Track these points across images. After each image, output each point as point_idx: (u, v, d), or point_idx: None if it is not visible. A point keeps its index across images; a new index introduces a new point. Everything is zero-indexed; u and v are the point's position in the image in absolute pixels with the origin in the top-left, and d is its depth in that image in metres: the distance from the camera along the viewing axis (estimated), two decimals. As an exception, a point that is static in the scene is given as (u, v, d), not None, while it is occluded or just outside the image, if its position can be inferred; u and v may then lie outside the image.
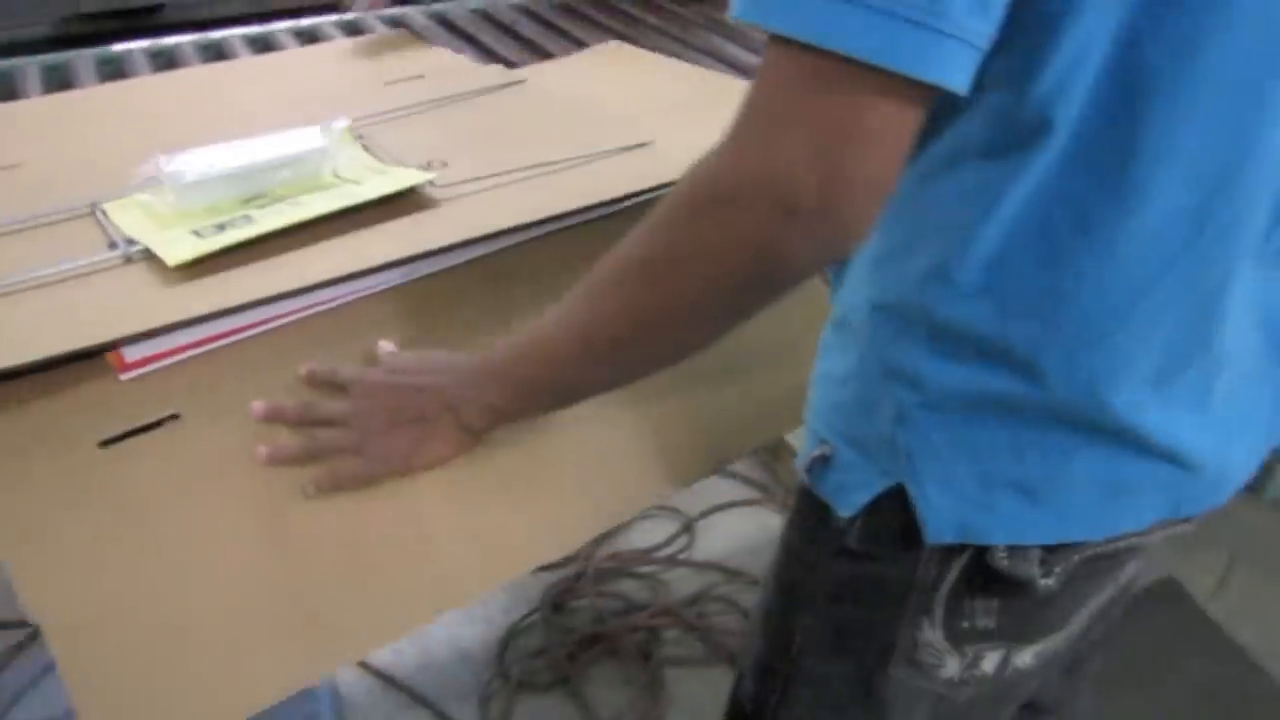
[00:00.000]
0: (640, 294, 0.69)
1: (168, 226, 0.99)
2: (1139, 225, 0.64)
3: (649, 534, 2.20)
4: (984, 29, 0.56)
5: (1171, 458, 0.73)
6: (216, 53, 1.62)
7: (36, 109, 1.38)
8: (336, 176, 1.09)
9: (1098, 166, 0.63)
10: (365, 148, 1.16)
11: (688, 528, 2.22)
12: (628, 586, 2.11)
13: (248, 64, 1.56)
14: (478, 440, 0.85)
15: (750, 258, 0.62)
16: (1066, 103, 0.61)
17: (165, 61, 1.59)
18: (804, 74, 0.57)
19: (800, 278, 0.64)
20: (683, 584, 2.10)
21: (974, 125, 0.65)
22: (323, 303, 0.94)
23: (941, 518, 0.74)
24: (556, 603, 2.05)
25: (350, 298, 0.95)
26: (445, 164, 1.12)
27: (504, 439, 0.86)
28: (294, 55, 1.58)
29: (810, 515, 0.82)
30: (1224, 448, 0.76)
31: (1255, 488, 2.16)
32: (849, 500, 0.78)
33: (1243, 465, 0.79)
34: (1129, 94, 0.61)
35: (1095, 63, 0.60)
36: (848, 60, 0.55)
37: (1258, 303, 0.75)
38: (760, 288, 0.65)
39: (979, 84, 0.59)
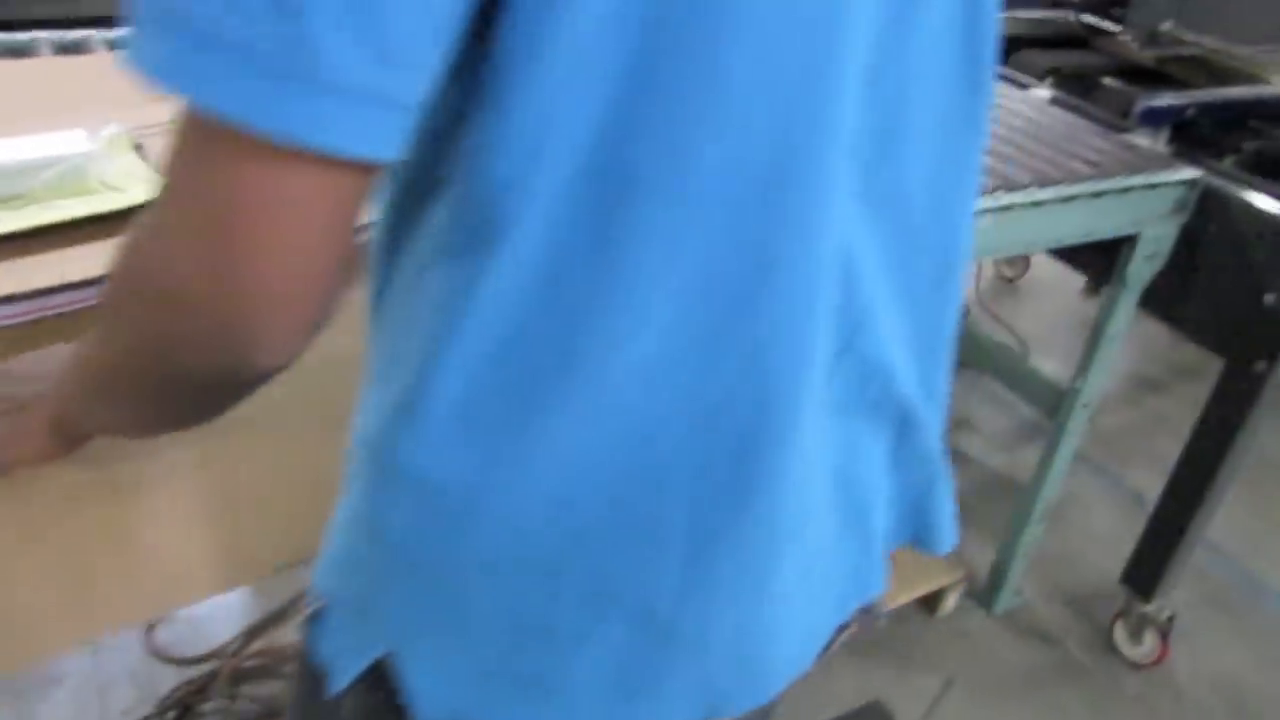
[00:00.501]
0: (92, 363, 0.62)
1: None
2: (634, 360, 0.52)
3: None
4: (387, 79, 0.42)
5: (701, 649, 0.60)
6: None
7: None
8: (103, 183, 1.06)
9: (577, 284, 0.50)
10: (144, 157, 1.13)
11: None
12: (275, 689, 1.82)
13: (41, 64, 1.53)
14: (67, 449, 0.82)
15: (150, 356, 0.52)
16: (529, 198, 0.48)
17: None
18: (192, 139, 0.44)
19: (223, 388, 0.53)
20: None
21: (440, 214, 0.53)
22: (53, 307, 0.92)
23: (432, 705, 0.60)
24: (187, 703, 1.79)
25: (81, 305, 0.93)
26: None
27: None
28: (86, 60, 1.53)
29: (308, 681, 0.66)
30: (773, 637, 0.63)
31: (984, 599, 2.09)
32: (341, 669, 0.62)
33: (796, 658, 0.67)
34: (611, 198, 0.49)
35: (565, 152, 0.48)
36: (222, 120, 0.41)
37: (827, 460, 0.61)
38: (182, 390, 0.54)
39: (440, 160, 0.50)
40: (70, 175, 1.07)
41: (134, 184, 1.06)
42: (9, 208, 1.00)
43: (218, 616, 1.94)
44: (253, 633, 1.90)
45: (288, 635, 1.89)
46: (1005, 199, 1.40)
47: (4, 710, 1.77)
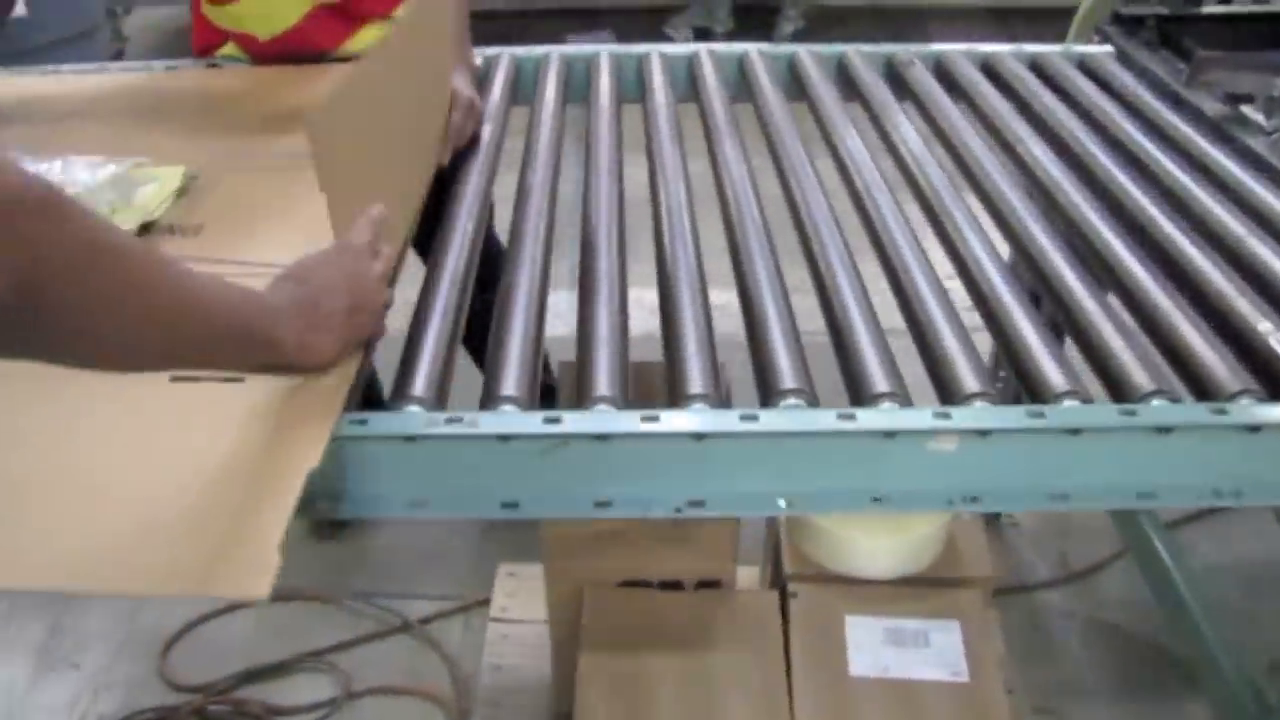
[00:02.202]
0: None
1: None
2: None
3: (295, 690, 1.93)
4: None
5: None
6: None
7: None
8: (113, 210, 1.22)
9: None
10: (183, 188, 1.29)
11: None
12: None
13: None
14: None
15: None
16: None
17: None
18: None
19: None
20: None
21: None
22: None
23: None
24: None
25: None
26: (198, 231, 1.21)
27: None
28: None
29: None
30: None
31: None
32: None
33: None
34: None
35: None
36: None
37: None
38: None
39: None
40: (80, 200, 1.13)
41: (125, 219, 1.19)
42: None
43: (242, 643, 1.98)
44: (247, 677, 1.91)
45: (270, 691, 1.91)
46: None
47: None
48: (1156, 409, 0.91)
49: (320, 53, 1.67)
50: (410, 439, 0.89)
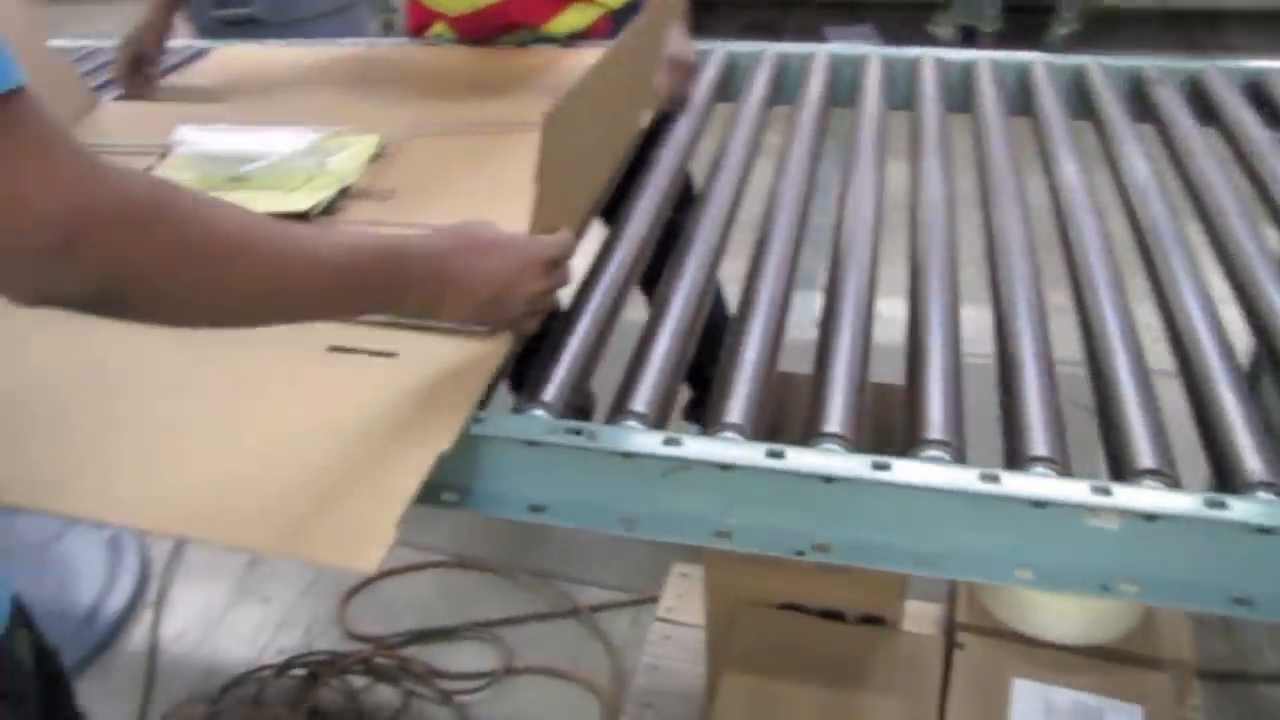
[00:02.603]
0: None
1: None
2: None
3: (460, 656, 1.97)
4: None
5: None
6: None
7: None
8: (307, 179, 1.30)
9: None
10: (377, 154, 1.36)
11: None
12: (378, 694, 1.90)
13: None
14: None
15: None
16: None
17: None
18: None
19: None
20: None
21: None
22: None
23: None
24: (317, 672, 1.92)
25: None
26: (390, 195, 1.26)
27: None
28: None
29: None
30: None
31: None
32: None
33: None
34: None
35: None
36: None
37: None
38: None
39: None
40: (278, 167, 1.32)
41: (320, 187, 1.27)
42: (231, 186, 1.29)
43: (417, 603, 2.05)
44: (417, 636, 1.97)
45: (433, 655, 1.96)
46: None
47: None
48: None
49: (525, 28, 1.68)
50: (532, 444, 0.87)
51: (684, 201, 1.32)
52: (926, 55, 1.63)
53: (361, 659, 1.92)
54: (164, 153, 1.41)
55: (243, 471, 0.87)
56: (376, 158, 1.36)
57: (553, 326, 1.01)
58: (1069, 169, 1.28)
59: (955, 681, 1.38)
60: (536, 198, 0.95)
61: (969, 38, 4.85)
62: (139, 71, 1.67)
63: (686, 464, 0.85)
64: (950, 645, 1.43)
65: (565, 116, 0.95)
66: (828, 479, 0.82)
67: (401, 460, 0.84)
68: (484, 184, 1.25)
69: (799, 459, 0.83)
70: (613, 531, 0.90)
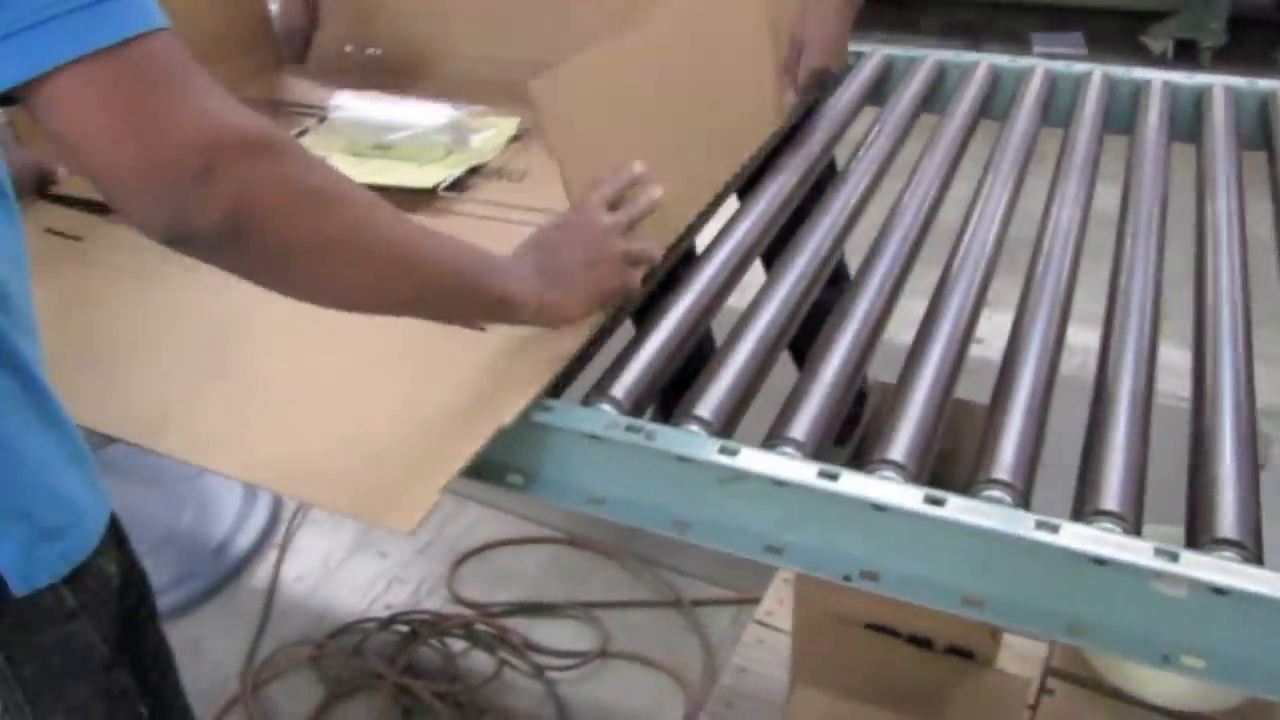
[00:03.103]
0: None
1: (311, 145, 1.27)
2: None
3: (557, 633, 2.00)
4: None
5: None
6: None
7: None
8: (448, 152, 1.34)
9: None
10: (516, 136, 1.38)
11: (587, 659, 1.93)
12: (473, 659, 1.95)
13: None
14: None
15: None
16: None
17: None
18: None
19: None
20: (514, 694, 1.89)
21: None
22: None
23: None
24: (418, 630, 1.98)
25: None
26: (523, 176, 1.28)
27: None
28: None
29: None
30: None
31: None
32: None
33: None
34: None
35: None
36: None
37: None
38: None
39: None
40: (420, 139, 1.36)
41: (455, 164, 1.30)
42: (377, 154, 1.36)
43: (525, 576, 2.09)
44: (519, 608, 2.01)
45: (532, 630, 1.99)
46: None
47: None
48: None
49: None
50: (593, 438, 0.88)
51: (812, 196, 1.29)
52: (1156, 79, 1.53)
53: (463, 623, 1.97)
54: (322, 117, 1.47)
55: (310, 424, 0.91)
56: (516, 138, 1.38)
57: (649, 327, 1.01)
58: None
59: (1038, 728, 1.33)
60: (562, 170, 0.97)
61: (1186, 51, 4.59)
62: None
63: (741, 475, 0.84)
64: (1040, 690, 1.38)
65: (564, 84, 0.96)
66: (879, 507, 0.80)
67: (461, 428, 0.87)
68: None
69: (851, 483, 0.81)
70: (665, 533, 0.90)
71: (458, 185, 1.28)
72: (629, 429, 0.87)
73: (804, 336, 1.08)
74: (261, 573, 2.17)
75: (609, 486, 0.91)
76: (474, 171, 1.30)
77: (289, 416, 0.93)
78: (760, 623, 1.80)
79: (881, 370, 1.18)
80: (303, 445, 0.90)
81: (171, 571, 2.12)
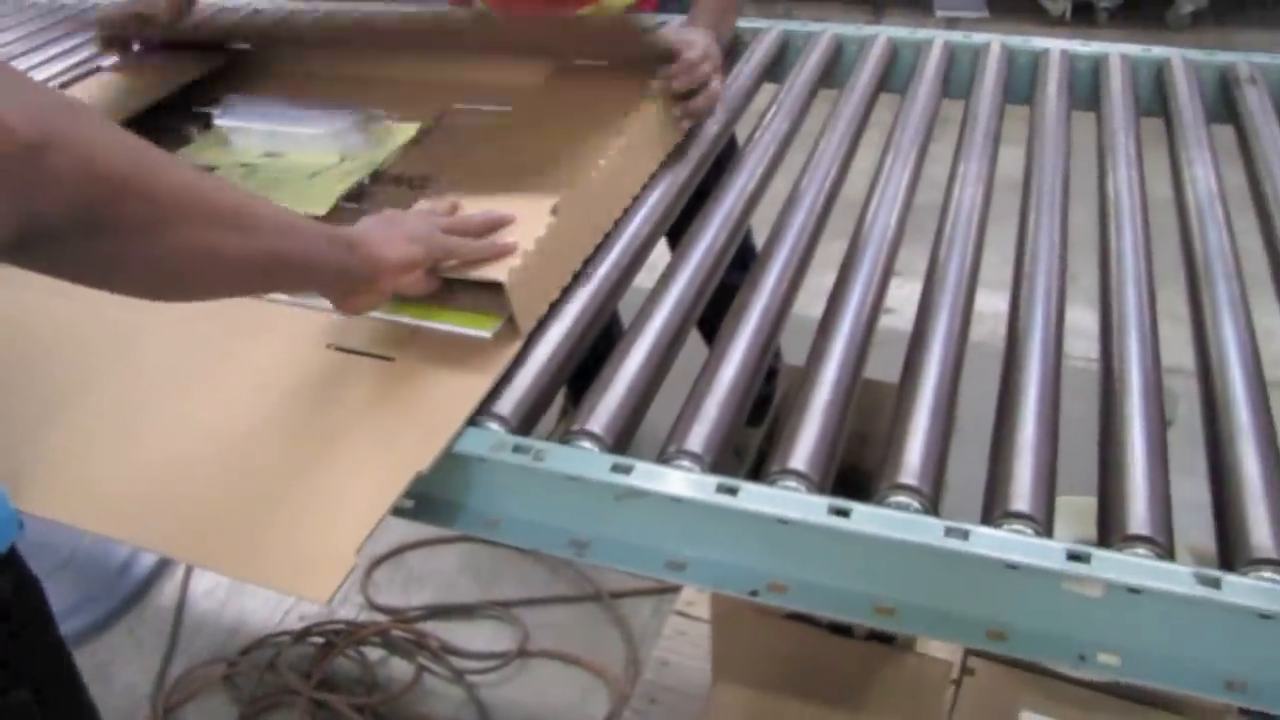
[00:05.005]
0: None
1: (196, 154, 1.29)
2: None
3: (475, 634, 1.95)
4: None
5: None
6: None
7: None
8: (341, 158, 1.26)
9: None
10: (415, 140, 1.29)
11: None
12: (392, 667, 1.90)
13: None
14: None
15: None
16: None
17: None
18: None
19: None
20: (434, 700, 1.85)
21: None
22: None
23: None
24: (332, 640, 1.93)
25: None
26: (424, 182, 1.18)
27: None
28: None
29: None
30: None
31: None
32: None
33: None
34: None
35: None
36: None
37: None
38: None
39: None
40: (312, 145, 1.28)
41: (354, 169, 1.23)
42: (255, 165, 1.26)
43: (440, 577, 2.03)
44: (436, 611, 1.95)
45: (463, 631, 1.94)
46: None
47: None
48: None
49: (580, 5, 1.61)
50: (481, 460, 0.83)
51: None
52: (1054, 48, 1.48)
53: (379, 630, 1.92)
54: (206, 123, 1.37)
55: (205, 482, 0.85)
56: (415, 143, 1.30)
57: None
58: (1200, 174, 1.18)
59: (960, 709, 1.32)
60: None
61: (1084, 12, 4.63)
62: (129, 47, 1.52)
63: (637, 493, 0.80)
64: (962, 670, 1.36)
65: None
66: (783, 521, 0.76)
67: (374, 480, 0.81)
68: (518, 173, 1.16)
69: (752, 498, 0.77)
70: (564, 555, 0.86)
71: (357, 195, 1.20)
72: (516, 449, 0.82)
73: (713, 311, 1.04)
74: (169, 590, 2.08)
75: (502, 509, 0.86)
76: (373, 178, 1.23)
77: (175, 475, 0.86)
78: (681, 613, 1.77)
79: (793, 346, 1.14)
80: (195, 507, 0.83)
81: (73, 595, 2.03)
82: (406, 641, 1.90)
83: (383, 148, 1.27)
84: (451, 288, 0.94)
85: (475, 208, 1.01)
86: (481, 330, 0.92)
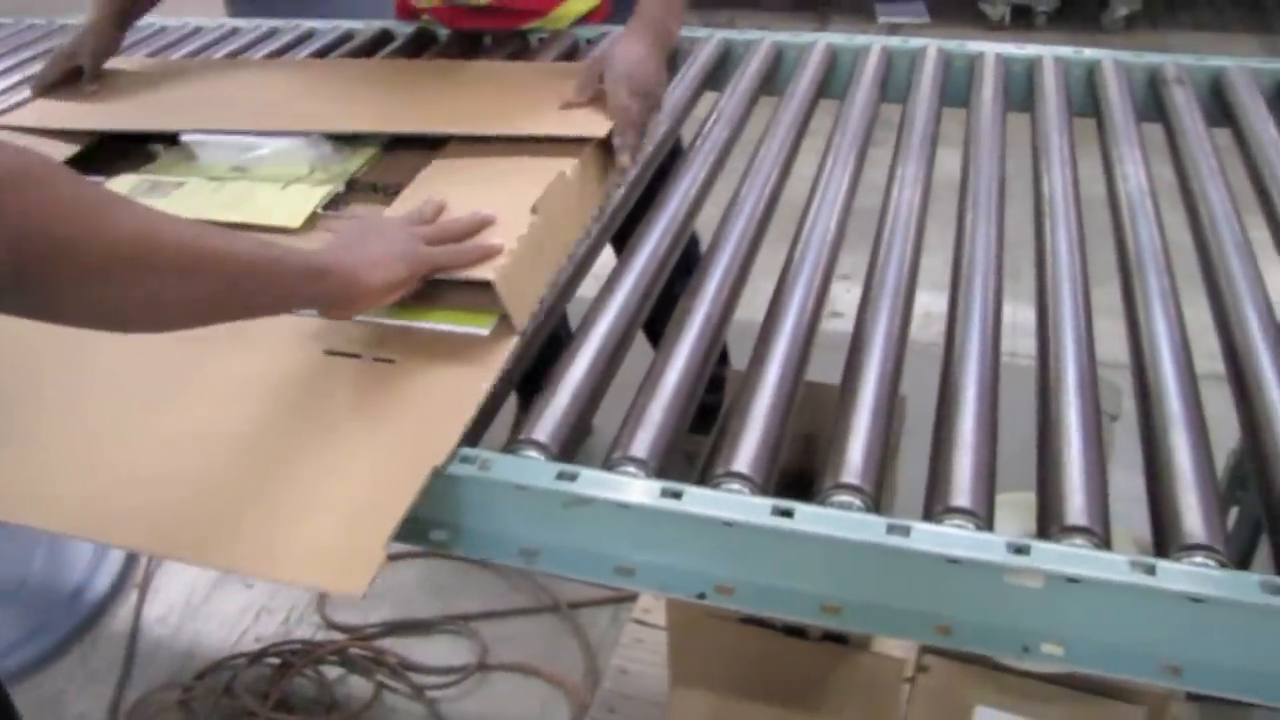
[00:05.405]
0: None
1: (163, 171, 1.27)
2: None
3: (434, 649, 1.95)
4: None
5: None
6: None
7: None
8: (312, 169, 1.24)
9: None
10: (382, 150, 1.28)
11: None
12: (350, 686, 1.89)
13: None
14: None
15: None
16: None
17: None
18: None
19: None
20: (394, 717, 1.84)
21: None
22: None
23: None
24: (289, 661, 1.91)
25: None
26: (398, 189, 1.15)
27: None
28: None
29: None
30: None
31: None
32: None
33: None
34: None
35: None
36: None
37: None
38: None
39: None
40: (281, 157, 1.26)
41: (325, 179, 1.21)
42: (223, 179, 1.24)
43: (397, 593, 2.02)
44: (394, 628, 1.94)
45: (421, 647, 1.93)
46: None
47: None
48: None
49: (533, 14, 1.62)
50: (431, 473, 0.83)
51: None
52: (989, 51, 1.51)
53: (336, 649, 1.91)
54: (171, 140, 1.33)
55: (227, 488, 0.84)
56: (386, 151, 1.29)
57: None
58: (1131, 172, 1.21)
59: (914, 707, 1.33)
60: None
61: (1022, 16, 4.71)
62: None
63: (583, 500, 0.80)
64: (916, 668, 1.38)
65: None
66: (727, 524, 0.77)
67: (392, 477, 0.82)
68: (490, 173, 1.17)
69: (696, 501, 0.78)
70: (514, 564, 0.86)
71: (333, 204, 1.18)
72: (464, 459, 0.83)
73: (661, 316, 1.05)
74: (122, 616, 2.06)
75: (451, 519, 0.86)
76: (349, 186, 1.22)
77: (193, 479, 0.85)
78: (638, 621, 1.78)
79: (742, 351, 1.15)
80: (215, 514, 0.82)
81: (24, 625, 2.00)
82: (364, 659, 1.89)
83: (355, 157, 1.27)
84: (440, 286, 0.96)
85: (459, 207, 1.03)
86: (479, 327, 0.95)
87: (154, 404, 0.94)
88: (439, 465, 0.82)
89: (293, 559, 0.78)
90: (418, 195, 1.11)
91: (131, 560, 2.16)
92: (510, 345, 0.94)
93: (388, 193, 1.19)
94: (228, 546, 0.80)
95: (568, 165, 1.10)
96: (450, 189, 1.10)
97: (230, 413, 0.91)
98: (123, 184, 1.23)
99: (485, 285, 0.93)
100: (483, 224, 1.01)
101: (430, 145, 1.24)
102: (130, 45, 1.75)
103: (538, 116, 1.22)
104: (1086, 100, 1.44)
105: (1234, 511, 1.69)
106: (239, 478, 0.85)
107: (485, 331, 0.94)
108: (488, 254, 0.96)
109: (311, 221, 1.13)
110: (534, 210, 1.02)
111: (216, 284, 0.77)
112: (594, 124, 1.18)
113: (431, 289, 0.97)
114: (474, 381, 0.90)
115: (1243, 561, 1.63)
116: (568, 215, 1.10)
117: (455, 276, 0.95)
